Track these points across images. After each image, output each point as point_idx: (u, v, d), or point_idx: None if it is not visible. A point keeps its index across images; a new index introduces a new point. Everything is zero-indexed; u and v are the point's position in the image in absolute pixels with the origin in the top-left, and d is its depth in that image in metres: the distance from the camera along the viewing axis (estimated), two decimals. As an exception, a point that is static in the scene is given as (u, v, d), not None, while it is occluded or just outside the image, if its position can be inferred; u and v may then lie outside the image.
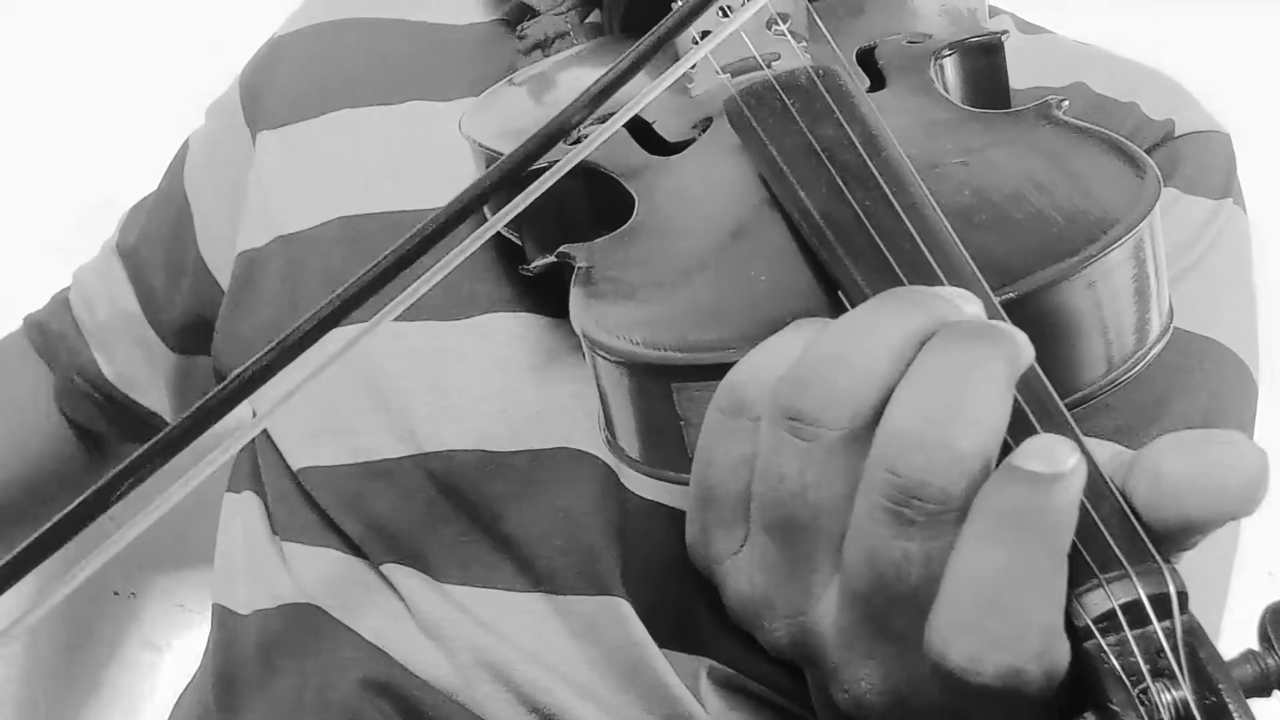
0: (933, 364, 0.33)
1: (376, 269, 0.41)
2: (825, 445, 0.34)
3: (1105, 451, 0.35)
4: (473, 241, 0.42)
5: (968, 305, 0.35)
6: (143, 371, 0.82)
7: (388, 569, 0.60)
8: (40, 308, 0.85)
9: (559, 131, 0.43)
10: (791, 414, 0.34)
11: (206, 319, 0.75)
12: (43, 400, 0.83)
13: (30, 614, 0.39)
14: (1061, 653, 0.32)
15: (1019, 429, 0.34)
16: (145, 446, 0.39)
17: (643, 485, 0.58)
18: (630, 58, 0.42)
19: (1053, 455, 0.31)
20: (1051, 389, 0.36)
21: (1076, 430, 0.35)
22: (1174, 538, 0.33)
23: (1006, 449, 0.33)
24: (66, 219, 1.03)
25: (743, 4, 0.54)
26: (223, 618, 0.65)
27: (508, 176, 0.43)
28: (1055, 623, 0.32)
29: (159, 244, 0.79)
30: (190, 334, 0.79)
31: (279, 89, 0.74)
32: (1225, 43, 1.06)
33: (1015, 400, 0.35)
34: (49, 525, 0.37)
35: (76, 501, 0.38)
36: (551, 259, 0.50)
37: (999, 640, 0.31)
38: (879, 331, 0.34)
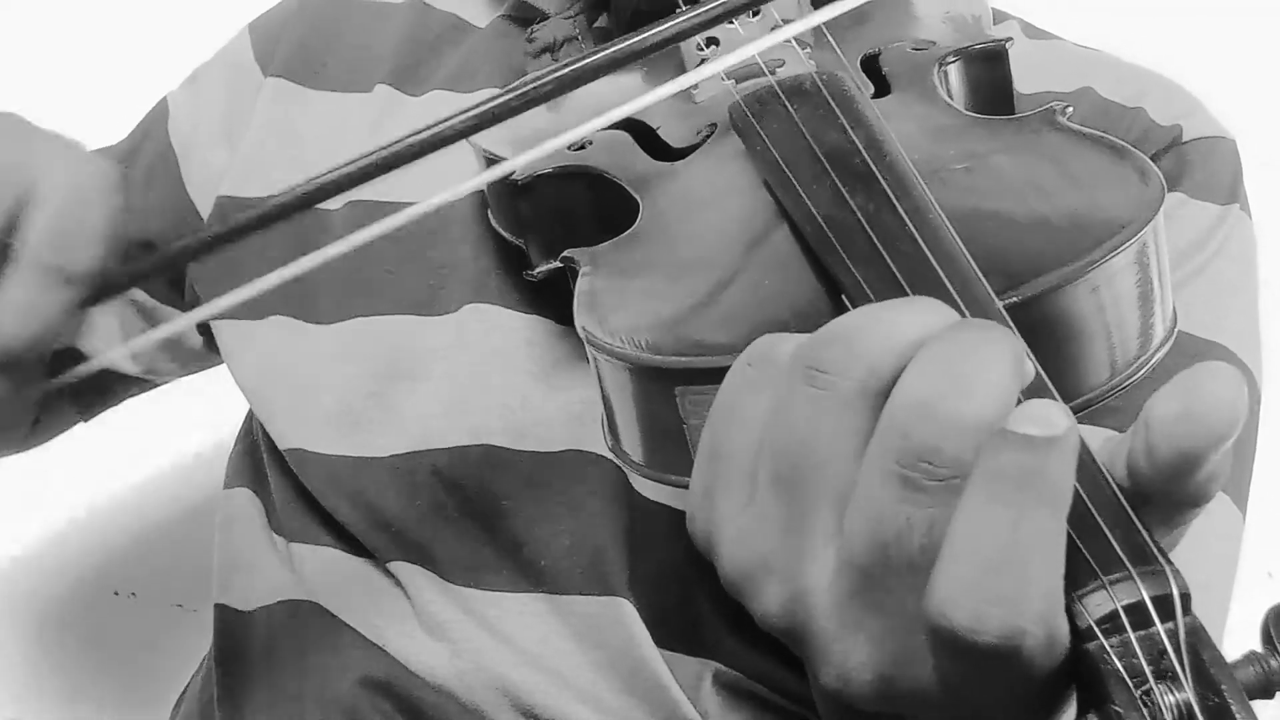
0: (947, 342, 0.34)
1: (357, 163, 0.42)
2: (839, 396, 0.34)
3: (1098, 438, 0.36)
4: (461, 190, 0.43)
5: None
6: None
7: (395, 566, 0.60)
8: None
9: (535, 98, 0.43)
10: (810, 363, 0.35)
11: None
12: None
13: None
14: (1062, 622, 0.32)
15: None
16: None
17: (652, 488, 0.58)
18: (622, 51, 0.42)
19: (1046, 419, 0.32)
20: (1055, 393, 0.36)
21: (1078, 434, 0.35)
22: (1175, 478, 0.33)
23: None
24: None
25: (749, 14, 0.54)
26: (224, 615, 0.66)
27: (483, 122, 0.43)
28: (1056, 586, 0.32)
29: (133, 189, 0.76)
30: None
31: (297, 43, 0.73)
32: (1229, 47, 1.06)
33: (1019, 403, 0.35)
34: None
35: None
36: (555, 264, 0.50)
37: (1001, 598, 0.31)
38: (906, 312, 0.35)
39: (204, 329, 0.75)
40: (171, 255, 0.43)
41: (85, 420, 0.83)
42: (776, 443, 0.36)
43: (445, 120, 0.43)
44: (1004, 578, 0.31)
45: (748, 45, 0.44)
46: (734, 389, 0.37)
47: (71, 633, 1.02)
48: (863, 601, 0.35)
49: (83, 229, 0.41)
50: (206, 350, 0.79)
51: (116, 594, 1.03)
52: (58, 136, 0.44)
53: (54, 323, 0.40)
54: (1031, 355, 0.36)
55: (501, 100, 0.43)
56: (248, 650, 0.63)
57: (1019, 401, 0.34)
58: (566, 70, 0.42)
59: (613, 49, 0.43)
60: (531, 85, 0.43)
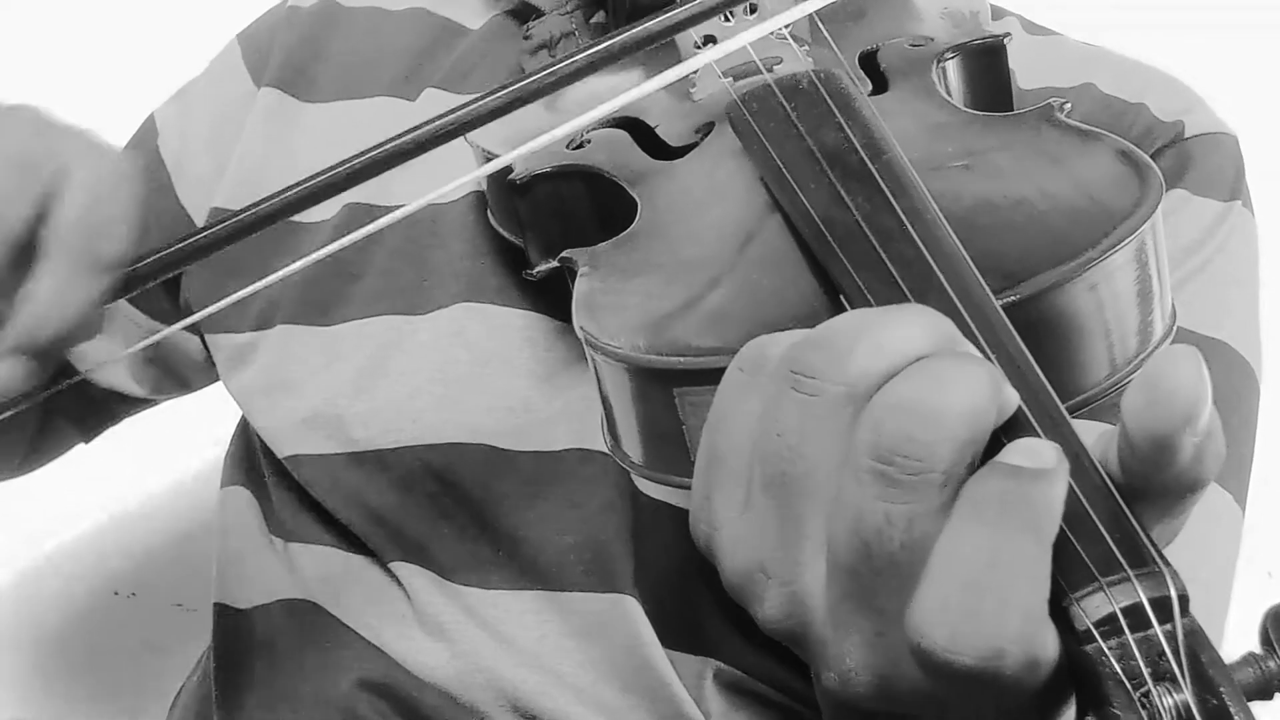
0: (926, 362, 0.34)
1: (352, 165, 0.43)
2: (826, 401, 0.34)
3: (1093, 434, 0.36)
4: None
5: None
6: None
7: (395, 566, 0.60)
8: None
9: (531, 92, 0.43)
10: (797, 368, 0.35)
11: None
12: None
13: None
14: (1045, 640, 0.32)
15: (1017, 430, 0.34)
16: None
17: (652, 485, 0.58)
18: (618, 45, 0.42)
19: (1037, 452, 0.32)
20: (1051, 391, 0.36)
21: (1075, 433, 0.35)
22: (1157, 464, 0.33)
23: (998, 448, 0.33)
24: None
25: (746, 11, 0.54)
26: (222, 614, 0.66)
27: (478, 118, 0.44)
28: (1038, 607, 0.32)
29: None
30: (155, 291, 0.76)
31: (288, 52, 0.73)
32: (1231, 43, 1.06)
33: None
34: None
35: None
36: (554, 264, 0.50)
37: (979, 620, 0.31)
38: (897, 321, 0.35)
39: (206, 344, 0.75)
40: (186, 250, 0.44)
41: (87, 441, 0.84)
42: (766, 448, 0.35)
43: (440, 117, 0.43)
44: (983, 598, 0.31)
45: (740, 35, 0.44)
46: (728, 393, 0.37)
47: (72, 633, 1.02)
48: (853, 604, 0.35)
49: (112, 217, 0.42)
50: (209, 365, 0.79)
51: (116, 594, 1.04)
52: (78, 128, 0.45)
53: (83, 313, 0.41)
54: (1034, 362, 0.36)
55: (497, 96, 0.43)
56: (246, 650, 0.63)
57: (1020, 406, 0.35)
58: (563, 65, 0.42)
59: (608, 42, 0.43)
60: (528, 80, 0.43)
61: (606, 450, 0.58)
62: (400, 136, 0.43)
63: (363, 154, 0.43)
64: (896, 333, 0.34)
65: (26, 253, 0.41)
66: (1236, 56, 1.07)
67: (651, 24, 0.43)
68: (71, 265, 0.41)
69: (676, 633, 0.57)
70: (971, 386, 0.33)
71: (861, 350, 0.34)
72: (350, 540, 0.62)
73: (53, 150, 0.42)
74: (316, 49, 0.73)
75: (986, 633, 0.31)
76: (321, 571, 0.62)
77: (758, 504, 0.36)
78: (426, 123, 0.43)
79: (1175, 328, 0.43)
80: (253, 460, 0.69)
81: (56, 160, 0.42)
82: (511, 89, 0.43)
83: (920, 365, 0.33)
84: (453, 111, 0.43)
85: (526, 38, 0.67)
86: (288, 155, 0.70)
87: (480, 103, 0.43)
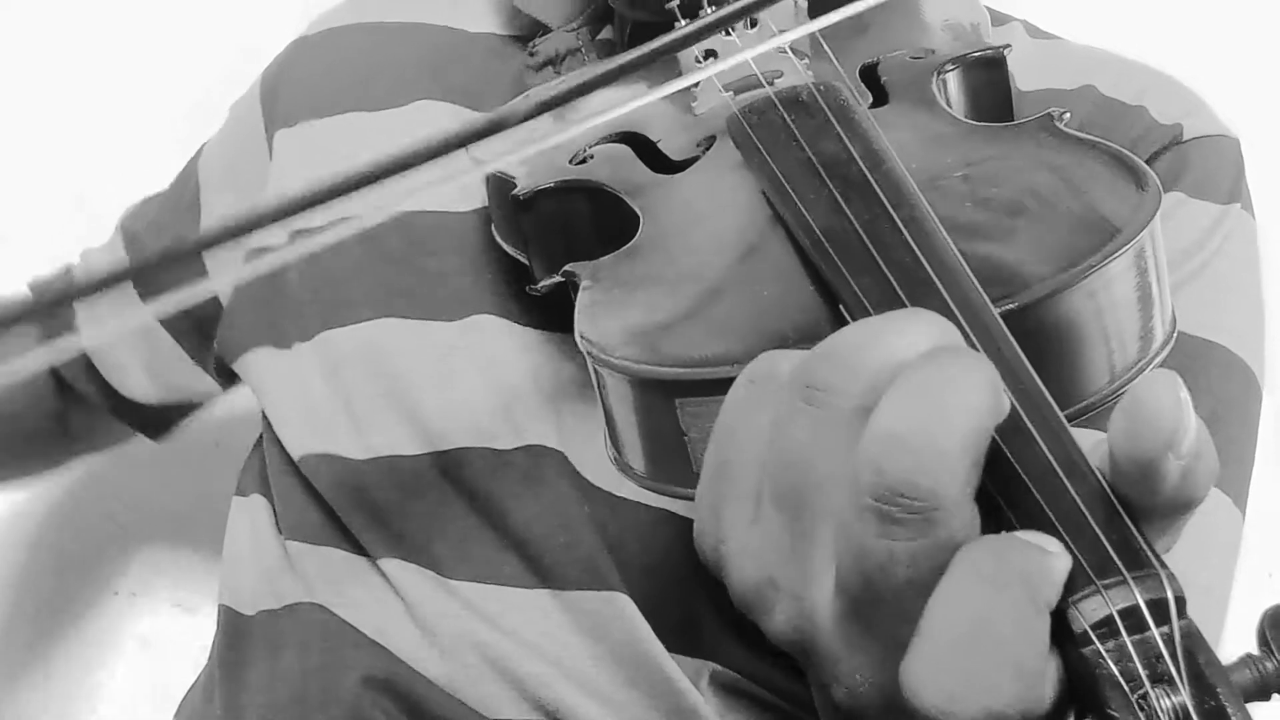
0: (923, 369, 0.33)
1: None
2: (837, 415, 0.34)
3: (1090, 440, 0.36)
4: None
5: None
6: (120, 351, 0.82)
7: (385, 564, 0.61)
8: None
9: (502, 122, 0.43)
10: (809, 382, 0.35)
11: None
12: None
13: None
14: (1040, 696, 0.32)
15: (1016, 437, 0.35)
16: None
17: (624, 487, 0.59)
18: (614, 66, 0.42)
19: (1042, 538, 0.32)
20: (1050, 399, 0.36)
21: (1073, 438, 0.35)
22: (1145, 487, 0.33)
23: (999, 458, 0.34)
24: (40, 215, 1.05)
25: (747, 25, 0.55)
26: (228, 618, 0.66)
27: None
28: (1035, 669, 0.31)
29: (162, 229, 0.80)
30: (188, 321, 0.79)
31: (296, 87, 0.75)
32: (1236, 48, 1.06)
33: (1013, 410, 0.35)
34: None
35: None
36: (557, 278, 0.50)
37: (976, 682, 0.31)
38: (904, 327, 0.35)
39: (224, 372, 0.78)
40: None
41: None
42: (777, 462, 0.35)
43: (448, 132, 0.43)
44: (980, 660, 0.31)
45: (742, 51, 0.44)
46: (736, 407, 0.37)
47: (72, 632, 1.03)
48: (859, 626, 0.35)
49: None
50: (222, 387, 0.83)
51: (116, 594, 1.04)
52: None
53: None
54: (1031, 369, 0.37)
55: (501, 116, 0.43)
56: (250, 652, 0.64)
57: (1020, 413, 0.35)
58: (568, 85, 0.43)
59: (613, 63, 0.43)
60: (537, 103, 0.43)
61: (563, 449, 0.58)
62: (408, 149, 0.43)
63: (364, 169, 0.43)
64: (904, 338, 0.34)
65: None
66: (1244, 49, 1.07)
67: (657, 44, 0.43)
68: None
69: (670, 634, 0.57)
70: (972, 399, 0.32)
71: (871, 359, 0.34)
72: (353, 540, 0.62)
73: None
74: (321, 74, 0.74)
75: (982, 697, 0.31)
76: (325, 573, 0.63)
77: (767, 517, 0.36)
78: (432, 137, 0.43)
79: (1175, 334, 0.43)
80: (265, 467, 0.69)
81: None
82: (521, 111, 0.44)
83: (916, 379, 0.33)
84: (460, 129, 0.43)
85: (532, 54, 0.67)
86: (301, 176, 0.71)
87: (487, 119, 0.44)
